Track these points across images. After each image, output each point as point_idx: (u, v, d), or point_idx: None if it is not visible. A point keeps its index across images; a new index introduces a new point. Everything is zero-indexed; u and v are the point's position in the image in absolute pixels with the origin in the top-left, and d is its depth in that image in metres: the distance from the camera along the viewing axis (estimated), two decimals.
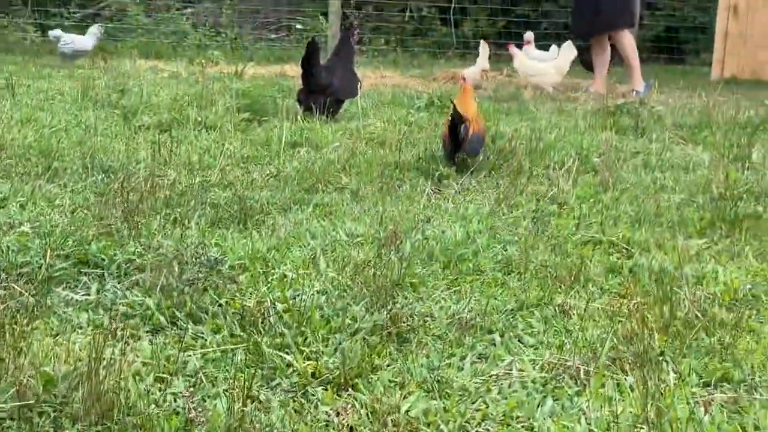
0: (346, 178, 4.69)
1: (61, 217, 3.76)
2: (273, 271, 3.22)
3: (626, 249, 3.67)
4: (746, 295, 3.16)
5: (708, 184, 4.59)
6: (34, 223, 3.60)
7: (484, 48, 10.22)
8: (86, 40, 10.19)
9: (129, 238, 3.46)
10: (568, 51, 9.67)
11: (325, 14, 14.31)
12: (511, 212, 4.15)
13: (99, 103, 6.71)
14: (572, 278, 3.24)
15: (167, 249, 3.31)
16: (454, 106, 5.06)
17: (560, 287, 3.17)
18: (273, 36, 15.31)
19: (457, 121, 4.96)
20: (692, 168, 5.23)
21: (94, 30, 10.39)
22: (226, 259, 3.24)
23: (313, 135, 5.79)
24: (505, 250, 3.55)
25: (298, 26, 15.32)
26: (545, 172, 4.93)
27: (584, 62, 11.66)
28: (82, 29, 13.23)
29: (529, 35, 10.86)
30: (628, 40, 9.94)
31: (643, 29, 15.77)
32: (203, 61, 10.77)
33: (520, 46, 10.33)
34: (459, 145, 4.98)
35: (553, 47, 10.21)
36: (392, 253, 3.36)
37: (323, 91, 6.68)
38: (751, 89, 10.86)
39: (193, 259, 3.13)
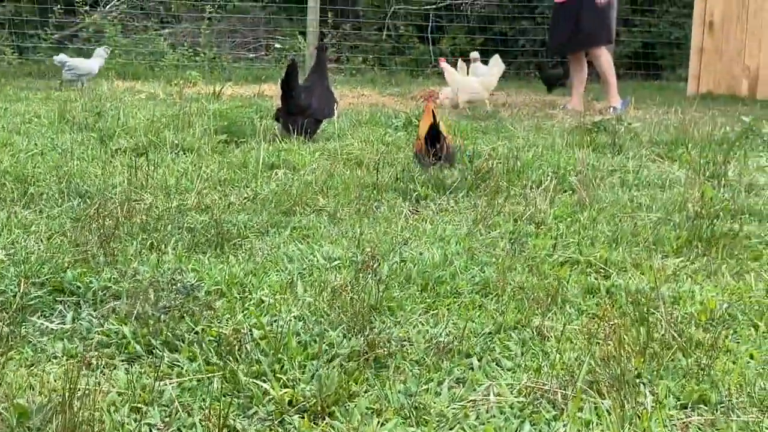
0: (324, 199, 4.69)
1: (36, 243, 3.73)
2: (250, 296, 3.20)
3: (603, 269, 3.68)
4: (723, 315, 3.17)
5: (684, 203, 4.60)
6: (10, 250, 3.58)
7: (462, 68, 10.24)
8: (92, 64, 10.21)
9: (105, 264, 3.44)
10: (495, 66, 9.71)
11: (303, 33, 14.34)
12: (489, 233, 4.15)
13: (76, 126, 6.69)
14: (550, 300, 3.24)
15: (143, 275, 3.29)
16: (434, 117, 5.49)
17: (538, 309, 3.17)
18: (251, 55, 15.32)
19: (435, 133, 5.44)
20: (668, 186, 5.26)
21: (101, 52, 10.40)
22: (202, 284, 3.22)
23: (291, 156, 5.79)
24: (483, 272, 3.55)
25: (277, 45, 15.34)
26: (523, 192, 4.94)
27: (544, 78, 11.70)
28: (58, 51, 13.25)
29: (475, 54, 10.90)
30: (605, 57, 10.00)
31: (620, 45, 15.87)
32: (181, 81, 10.77)
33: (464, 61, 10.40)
34: (437, 154, 5.38)
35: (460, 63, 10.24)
36: (370, 276, 3.36)
37: (302, 112, 6.70)
38: (727, 104, 10.93)
39: (170, 286, 3.11)
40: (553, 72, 12.24)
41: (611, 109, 9.77)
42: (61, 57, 10.23)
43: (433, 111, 5.59)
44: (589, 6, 9.73)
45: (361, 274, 3.34)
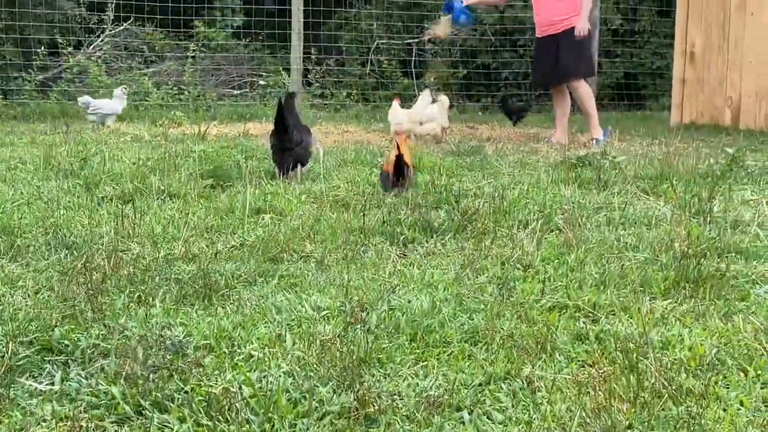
0: (311, 245, 4.69)
1: (24, 299, 3.72)
2: (239, 350, 3.20)
3: (592, 313, 3.68)
4: (712, 360, 3.17)
5: (671, 242, 4.62)
6: None
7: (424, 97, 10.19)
8: (115, 104, 10.32)
9: (93, 320, 3.43)
10: (423, 101, 9.93)
11: (287, 69, 14.38)
12: (477, 277, 4.15)
13: (61, 173, 6.68)
14: (539, 348, 3.24)
15: (132, 331, 3.28)
16: (398, 149, 6.19)
17: (527, 358, 3.17)
18: (236, 92, 15.35)
19: (401, 162, 6.20)
20: (654, 223, 5.27)
21: (119, 93, 10.48)
22: (191, 340, 3.22)
23: (277, 200, 5.79)
24: (472, 320, 3.55)
25: (261, 82, 15.38)
26: (510, 233, 4.94)
27: (506, 111, 11.71)
28: (42, 93, 13.26)
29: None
30: (584, 89, 10.11)
31: (602, 76, 15.98)
32: (166, 122, 10.78)
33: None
34: (399, 180, 6.19)
35: (442, 97, 10.29)
36: (359, 327, 3.35)
37: (297, 146, 6.76)
38: (710, 134, 10.99)
39: (158, 343, 3.10)
40: (517, 105, 12.25)
41: (594, 141, 9.86)
42: (85, 99, 10.35)
43: (398, 144, 6.28)
44: (567, 39, 9.89)
45: (350, 327, 3.34)
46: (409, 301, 3.74)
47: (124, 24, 15.19)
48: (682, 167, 7.36)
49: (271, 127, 6.85)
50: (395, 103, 10.05)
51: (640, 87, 16.54)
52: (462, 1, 10.51)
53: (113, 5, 14.57)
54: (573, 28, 9.90)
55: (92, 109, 10.15)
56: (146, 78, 14.28)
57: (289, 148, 6.74)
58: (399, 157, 6.18)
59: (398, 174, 6.19)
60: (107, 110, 10.15)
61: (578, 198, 5.99)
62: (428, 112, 9.85)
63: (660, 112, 14.75)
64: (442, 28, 10.91)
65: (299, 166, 6.75)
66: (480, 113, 15.06)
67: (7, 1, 13.99)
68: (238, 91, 15.41)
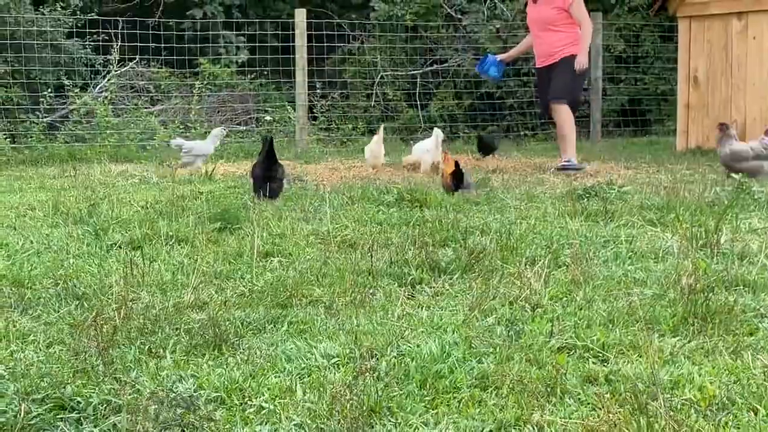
0: (319, 289, 4.70)
1: (35, 353, 3.75)
2: (250, 402, 3.21)
3: (601, 353, 3.69)
4: (722, 399, 3.18)
5: (678, 276, 4.62)
6: (9, 363, 3.59)
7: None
8: (207, 145, 10.45)
9: (104, 374, 3.45)
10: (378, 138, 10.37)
11: (293, 104, 14.46)
12: (485, 318, 4.16)
13: (70, 219, 6.72)
14: (549, 391, 3.25)
15: (143, 385, 3.30)
16: (456, 163, 8.04)
17: (537, 402, 3.18)
18: (242, 128, 15.43)
19: (460, 170, 7.99)
20: (662, 257, 5.28)
21: (217, 132, 10.58)
22: (202, 394, 3.23)
23: (285, 242, 5.81)
24: (481, 363, 3.56)
25: (267, 117, 15.46)
26: (517, 270, 4.95)
27: (481, 147, 11.62)
28: (49, 135, 13.35)
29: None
30: (566, 114, 10.32)
31: (606, 102, 16.03)
32: (173, 162, 10.83)
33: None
34: (459, 185, 7.92)
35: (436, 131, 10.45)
36: (368, 375, 3.37)
37: (276, 177, 7.83)
38: (716, 159, 10.98)
39: (169, 398, 3.12)
40: (490, 139, 12.18)
41: (564, 162, 10.09)
42: (178, 141, 10.57)
43: (448, 159, 8.28)
44: (562, 65, 10.23)
45: (360, 376, 3.35)
46: (418, 346, 3.75)
47: (130, 64, 15.32)
48: (689, 195, 7.38)
49: None
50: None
51: (645, 112, 16.58)
52: (496, 56, 11.11)
53: (118, 46, 14.68)
54: (570, 56, 10.18)
55: (185, 150, 10.30)
56: (153, 116, 14.37)
57: (274, 177, 7.76)
58: (457, 165, 8.00)
59: (458, 180, 7.96)
60: (198, 151, 10.29)
61: (585, 231, 6.00)
62: (419, 145, 10.38)
63: (666, 137, 14.77)
64: None
65: (279, 196, 7.71)
66: None
67: (14, 44, 14.10)
68: (244, 127, 15.49)
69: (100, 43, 15.28)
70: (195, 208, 6.99)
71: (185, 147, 10.27)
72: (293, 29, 13.48)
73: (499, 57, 11.12)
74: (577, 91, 10.63)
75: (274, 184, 7.72)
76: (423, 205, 7.27)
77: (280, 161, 8.07)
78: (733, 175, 8.39)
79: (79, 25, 15.33)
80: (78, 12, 15.76)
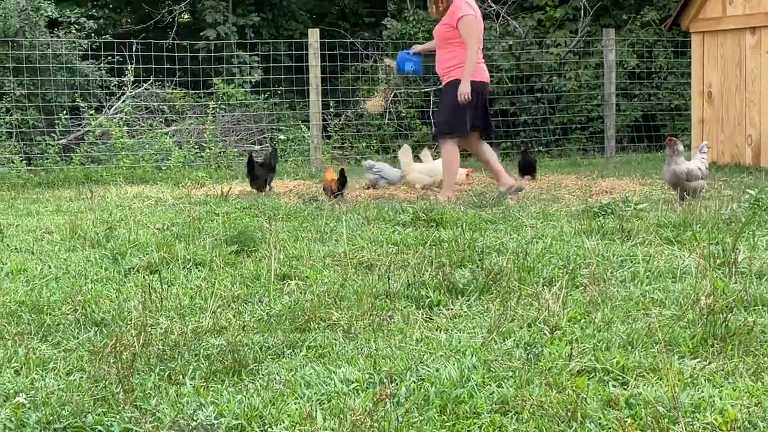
0: (337, 312, 4.70)
1: (56, 381, 3.76)
2: (270, 429, 3.22)
3: (621, 376, 3.68)
4: (744, 423, 3.17)
5: (697, 296, 4.60)
6: (30, 391, 3.61)
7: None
8: (398, 173, 10.78)
9: (125, 402, 3.46)
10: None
11: (306, 122, 14.50)
12: (504, 341, 4.16)
13: (88, 242, 6.75)
14: (569, 416, 3.25)
15: (163, 413, 3.31)
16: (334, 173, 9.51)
17: (558, 427, 3.18)
18: (256, 147, 15.47)
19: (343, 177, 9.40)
20: (679, 276, 5.27)
21: (372, 164, 10.94)
22: (222, 422, 3.24)
23: (302, 264, 5.82)
24: (500, 387, 3.56)
25: (281, 137, 15.51)
26: (534, 291, 4.94)
27: (524, 167, 11.48)
28: (66, 157, 13.42)
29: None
30: (447, 151, 9.60)
31: (620, 117, 16.02)
32: (188, 183, 10.89)
33: None
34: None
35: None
36: (388, 401, 3.37)
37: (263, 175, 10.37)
38: (732, 174, 11.01)
39: (190, 426, 3.12)
40: (533, 159, 12.03)
41: (436, 197, 9.48)
42: (369, 162, 11.07)
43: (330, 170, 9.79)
44: (446, 94, 9.56)
45: (379, 402, 3.35)
46: (437, 370, 3.75)
47: (144, 85, 15.40)
48: (705, 212, 7.36)
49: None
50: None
51: (659, 127, 16.56)
52: (408, 51, 10.21)
53: (133, 67, 14.76)
54: (454, 81, 9.36)
55: (375, 170, 10.75)
56: (167, 137, 14.44)
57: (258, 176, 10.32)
58: (342, 172, 9.51)
59: (341, 186, 9.41)
60: (387, 176, 10.66)
61: (602, 250, 5.99)
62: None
63: None
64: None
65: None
66: (502, 160, 15.09)
67: (30, 67, 14.19)
68: (259, 147, 15.54)
69: (115, 66, 15.37)
70: (211, 230, 7.01)
71: (376, 168, 10.80)
72: (306, 49, 13.53)
73: (413, 50, 10.13)
74: (458, 123, 9.43)
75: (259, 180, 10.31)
76: (439, 224, 7.28)
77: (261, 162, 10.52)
78: (749, 190, 8.34)
79: (93, 47, 15.42)
80: (93, 34, 15.86)
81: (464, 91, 9.24)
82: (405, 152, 10.70)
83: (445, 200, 9.13)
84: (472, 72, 9.31)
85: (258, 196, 9.81)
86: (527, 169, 11.24)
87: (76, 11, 16.22)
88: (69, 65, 15.00)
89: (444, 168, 9.72)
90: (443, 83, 9.62)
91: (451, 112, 9.44)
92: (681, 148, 8.77)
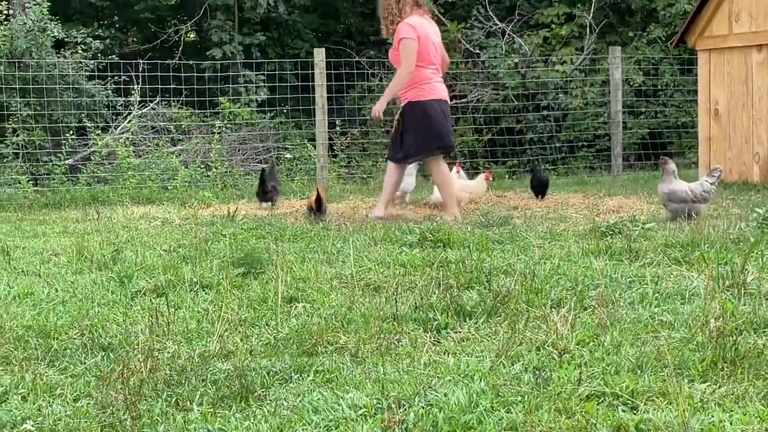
0: (345, 336, 4.69)
1: (63, 407, 3.75)
2: None
3: (630, 401, 3.66)
4: None
5: (706, 319, 4.58)
6: (37, 418, 3.60)
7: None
8: (412, 182, 10.74)
9: (132, 429, 3.44)
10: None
11: (312, 141, 14.51)
12: (512, 365, 4.14)
13: (95, 265, 6.74)
14: None
15: None
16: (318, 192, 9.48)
17: None
18: (263, 166, 15.47)
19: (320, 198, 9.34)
20: (688, 297, 5.24)
21: (411, 170, 10.66)
22: None
23: (309, 287, 5.81)
24: (509, 413, 3.54)
25: (287, 155, 15.52)
26: (543, 313, 4.93)
27: (536, 186, 11.26)
28: (73, 177, 13.43)
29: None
30: (394, 176, 9.64)
31: (627, 135, 16.02)
32: (195, 203, 10.89)
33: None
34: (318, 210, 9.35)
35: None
36: (396, 428, 3.35)
37: (271, 190, 10.60)
38: (740, 192, 10.97)
39: None
40: (545, 177, 11.91)
41: (369, 215, 9.50)
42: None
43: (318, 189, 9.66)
44: (407, 115, 9.46)
45: (388, 430, 3.33)
46: (446, 395, 3.74)
47: (150, 104, 15.44)
48: (713, 231, 7.34)
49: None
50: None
51: (666, 144, 16.56)
52: None
53: (139, 87, 14.80)
54: (407, 104, 9.37)
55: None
56: (174, 156, 14.45)
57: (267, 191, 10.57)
58: (318, 193, 9.43)
59: (319, 207, 9.36)
60: (404, 188, 10.56)
61: (610, 271, 5.97)
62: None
63: (687, 169, 14.69)
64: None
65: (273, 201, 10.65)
66: (508, 178, 15.10)
67: (36, 88, 14.23)
68: (265, 166, 15.54)
69: (122, 86, 15.42)
70: (218, 252, 7.01)
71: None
72: (312, 68, 13.55)
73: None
74: (429, 141, 9.38)
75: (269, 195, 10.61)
76: (446, 245, 7.26)
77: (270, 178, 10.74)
78: (757, 209, 8.31)
79: (100, 67, 15.48)
80: (99, 54, 15.91)
81: (377, 108, 9.40)
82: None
83: (452, 219, 9.14)
84: (395, 93, 9.44)
85: (266, 209, 10.35)
86: (539, 187, 11.13)
87: (82, 31, 16.29)
88: (75, 85, 15.05)
89: (441, 189, 9.71)
90: (403, 104, 9.49)
91: (418, 134, 9.39)
92: (671, 167, 8.79)
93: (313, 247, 7.37)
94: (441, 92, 9.56)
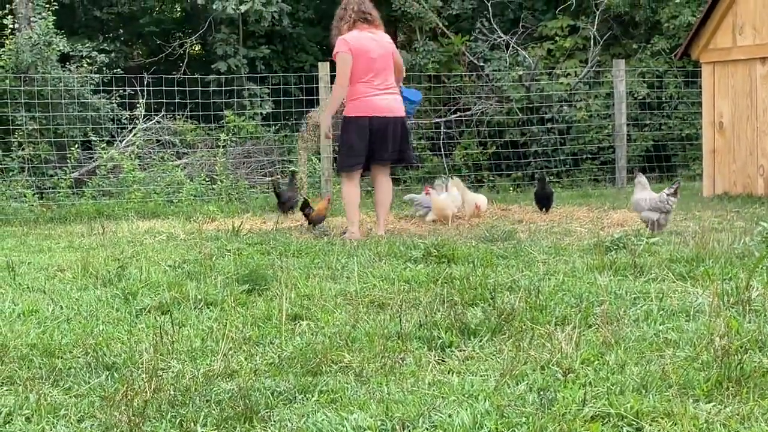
0: (349, 355, 4.68)
1: (67, 428, 3.75)
2: None
3: (635, 422, 3.65)
4: None
5: (711, 337, 4.57)
6: None
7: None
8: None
9: None
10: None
11: (317, 154, 14.52)
12: (517, 385, 4.13)
13: (99, 281, 6.75)
14: None
15: None
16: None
17: None
18: (267, 179, 15.50)
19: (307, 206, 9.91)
20: (693, 315, 5.24)
21: (439, 183, 11.04)
22: None
23: (313, 304, 5.81)
24: None
25: (292, 169, 15.52)
26: (547, 331, 4.91)
27: (540, 200, 11.21)
28: (78, 191, 13.45)
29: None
30: (344, 190, 9.73)
31: (631, 147, 16.02)
32: (200, 217, 10.90)
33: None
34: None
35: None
36: None
37: (288, 201, 11.09)
38: (744, 205, 10.97)
39: None
40: (550, 190, 11.85)
41: (345, 232, 9.49)
42: (411, 196, 11.43)
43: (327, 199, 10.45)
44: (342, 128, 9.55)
45: None
46: (450, 416, 3.73)
47: (155, 118, 15.47)
48: (718, 246, 7.33)
49: None
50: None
51: (670, 156, 16.55)
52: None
53: (144, 101, 14.84)
54: (344, 118, 9.45)
55: (417, 204, 11.05)
56: (179, 169, 14.47)
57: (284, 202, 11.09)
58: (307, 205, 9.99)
59: (307, 216, 9.87)
60: (426, 204, 10.83)
61: (614, 287, 5.96)
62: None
63: (692, 182, 14.70)
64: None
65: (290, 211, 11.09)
66: (512, 191, 15.10)
67: (42, 102, 14.27)
68: (270, 178, 15.56)
69: (127, 99, 15.45)
70: (223, 268, 7.01)
71: (416, 200, 11.08)
72: (317, 82, 13.57)
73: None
74: (348, 159, 9.48)
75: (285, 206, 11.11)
76: (450, 260, 7.25)
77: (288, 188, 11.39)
78: (762, 222, 8.29)
79: (105, 80, 15.51)
80: (104, 68, 15.95)
81: (322, 128, 9.79)
82: (457, 184, 10.85)
83: (349, 237, 9.11)
84: (334, 109, 9.65)
85: (284, 218, 11.00)
86: (544, 201, 11.12)
87: (87, 45, 16.33)
88: (81, 99, 15.09)
89: (344, 206, 9.77)
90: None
91: (342, 149, 9.59)
92: (641, 180, 9.24)
93: (317, 263, 7.37)
94: (375, 107, 9.36)
